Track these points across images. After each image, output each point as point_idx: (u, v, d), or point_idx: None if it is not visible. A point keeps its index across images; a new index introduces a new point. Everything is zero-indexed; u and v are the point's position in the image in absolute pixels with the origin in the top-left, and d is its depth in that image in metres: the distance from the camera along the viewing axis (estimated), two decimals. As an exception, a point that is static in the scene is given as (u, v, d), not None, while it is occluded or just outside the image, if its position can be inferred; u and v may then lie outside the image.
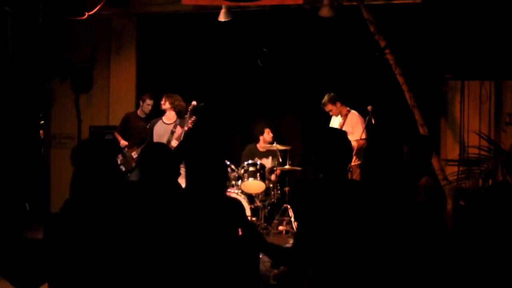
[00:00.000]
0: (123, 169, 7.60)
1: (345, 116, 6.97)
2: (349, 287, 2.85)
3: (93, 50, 8.66)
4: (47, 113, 8.95)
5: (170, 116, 6.96)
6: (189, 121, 6.70)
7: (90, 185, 3.29)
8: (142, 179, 3.56)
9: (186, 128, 6.70)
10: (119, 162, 7.61)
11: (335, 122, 7.15)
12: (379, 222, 2.95)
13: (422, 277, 2.85)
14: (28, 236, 6.76)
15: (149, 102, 7.64)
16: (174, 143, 6.71)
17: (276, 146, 7.46)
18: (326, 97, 7.05)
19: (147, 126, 7.48)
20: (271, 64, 8.08)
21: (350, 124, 6.91)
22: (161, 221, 3.16)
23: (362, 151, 6.95)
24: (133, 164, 7.51)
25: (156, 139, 6.87)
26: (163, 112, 7.07)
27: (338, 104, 7.00)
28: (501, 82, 7.30)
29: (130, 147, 7.57)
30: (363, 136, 6.78)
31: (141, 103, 7.71)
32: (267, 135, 7.74)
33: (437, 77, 7.39)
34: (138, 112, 7.72)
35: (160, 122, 7.02)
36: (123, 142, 7.58)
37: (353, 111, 6.98)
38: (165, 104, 6.97)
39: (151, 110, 7.65)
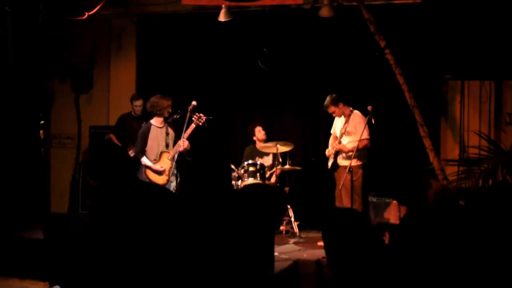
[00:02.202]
0: None
1: (348, 117, 6.94)
2: None
3: (93, 50, 8.67)
4: (47, 113, 8.95)
5: (159, 119, 6.73)
6: (196, 119, 6.58)
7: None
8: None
9: (193, 125, 6.57)
10: None
11: (338, 123, 7.13)
12: None
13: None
14: (28, 236, 6.76)
15: (136, 103, 7.64)
16: (185, 143, 6.57)
17: (276, 147, 7.41)
18: (328, 99, 6.97)
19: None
20: (271, 64, 8.08)
21: (353, 124, 6.89)
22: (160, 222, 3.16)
23: (365, 152, 6.93)
24: None
25: (153, 143, 6.68)
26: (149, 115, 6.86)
27: (341, 105, 6.96)
28: (501, 82, 7.30)
29: (126, 146, 7.60)
30: (366, 136, 6.76)
31: (131, 104, 7.72)
32: (259, 133, 7.73)
33: (437, 77, 7.39)
34: (132, 112, 7.74)
35: (152, 126, 6.73)
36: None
37: (356, 111, 6.95)
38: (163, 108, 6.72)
39: (143, 111, 7.63)
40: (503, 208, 3.02)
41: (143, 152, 6.65)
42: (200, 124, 6.62)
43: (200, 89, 8.00)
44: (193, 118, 6.61)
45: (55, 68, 8.63)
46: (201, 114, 6.62)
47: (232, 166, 7.28)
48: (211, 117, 6.75)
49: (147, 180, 6.58)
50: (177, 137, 6.70)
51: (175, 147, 6.64)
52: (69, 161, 8.70)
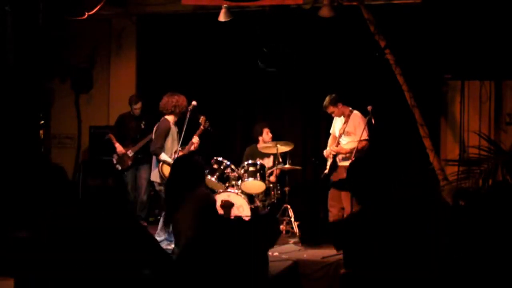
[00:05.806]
0: (119, 168, 7.62)
1: (347, 117, 6.92)
2: None
3: (93, 50, 8.67)
4: (47, 113, 8.94)
5: (174, 118, 6.64)
6: (203, 122, 6.75)
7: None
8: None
9: (202, 127, 6.73)
10: (114, 161, 7.64)
11: (338, 123, 7.12)
12: None
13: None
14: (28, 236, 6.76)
15: (135, 106, 7.64)
16: (196, 140, 6.66)
17: (276, 147, 7.40)
18: (327, 99, 6.95)
19: (142, 126, 7.50)
20: (271, 64, 8.08)
21: (352, 125, 6.87)
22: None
23: (363, 153, 6.92)
24: (129, 163, 7.55)
25: (172, 140, 6.58)
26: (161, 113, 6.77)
27: (340, 105, 6.94)
28: (501, 82, 7.30)
29: (126, 146, 7.61)
30: (365, 137, 6.75)
31: (130, 107, 7.72)
32: (266, 135, 7.71)
33: (437, 77, 7.39)
34: (131, 112, 7.74)
35: (171, 123, 6.63)
36: (118, 147, 7.57)
37: (355, 112, 6.93)
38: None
39: (143, 111, 7.65)
40: (503, 208, 3.02)
41: (162, 148, 6.49)
42: (209, 128, 6.80)
43: (200, 89, 8.01)
44: (200, 121, 6.74)
45: (55, 68, 8.62)
46: (207, 122, 6.81)
47: (232, 166, 7.28)
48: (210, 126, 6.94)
49: (163, 176, 6.41)
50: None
51: (188, 145, 6.62)
52: (69, 161, 8.70)
